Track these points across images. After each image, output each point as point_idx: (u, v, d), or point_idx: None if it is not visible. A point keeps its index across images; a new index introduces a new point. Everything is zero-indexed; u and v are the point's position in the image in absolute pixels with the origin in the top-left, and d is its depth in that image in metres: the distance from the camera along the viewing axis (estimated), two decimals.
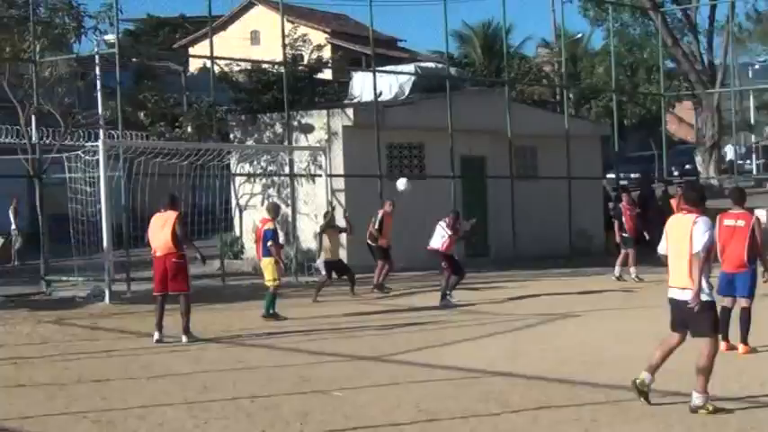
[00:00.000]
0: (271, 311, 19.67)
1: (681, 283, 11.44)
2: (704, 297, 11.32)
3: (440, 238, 22.37)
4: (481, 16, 72.71)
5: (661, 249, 11.85)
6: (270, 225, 19.74)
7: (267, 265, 19.61)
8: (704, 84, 46.60)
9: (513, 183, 32.86)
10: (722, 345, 15.36)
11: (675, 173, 49.52)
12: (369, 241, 24.93)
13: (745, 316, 15.34)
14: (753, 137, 66.30)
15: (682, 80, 51.80)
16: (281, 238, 22.30)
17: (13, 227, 34.72)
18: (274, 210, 20.57)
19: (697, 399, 11.34)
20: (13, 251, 34.66)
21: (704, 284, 11.32)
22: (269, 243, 19.52)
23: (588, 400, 12.27)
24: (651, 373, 11.72)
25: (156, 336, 17.12)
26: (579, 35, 59.27)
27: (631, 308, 21.81)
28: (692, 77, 47.59)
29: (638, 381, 11.69)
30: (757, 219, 15.48)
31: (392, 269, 25.09)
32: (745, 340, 15.36)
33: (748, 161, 60.18)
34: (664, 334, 16.85)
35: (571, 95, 48.72)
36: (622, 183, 38.70)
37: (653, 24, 47.24)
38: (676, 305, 11.57)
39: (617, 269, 26.94)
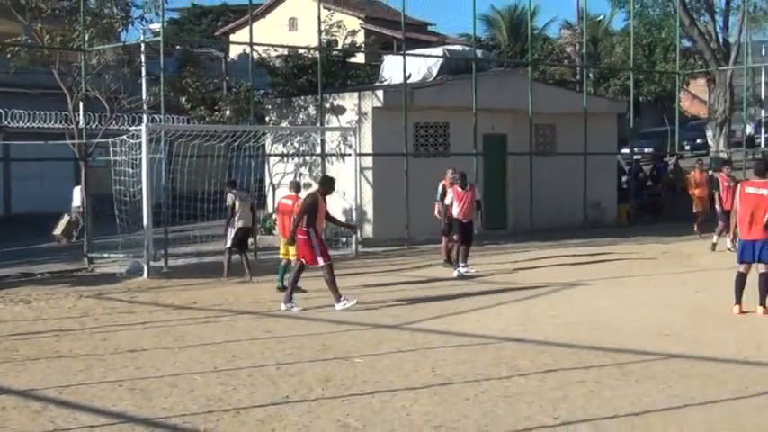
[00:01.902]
0: (283, 284, 19.29)
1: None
2: None
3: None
4: (509, 0, 72.19)
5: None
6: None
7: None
8: (718, 62, 45.93)
9: (531, 159, 32.68)
10: (735, 309, 15.54)
11: (687, 147, 49.31)
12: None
13: (764, 280, 15.58)
14: (763, 111, 65.57)
15: (696, 58, 51.12)
16: None
17: (76, 204, 34.58)
18: (295, 187, 20.55)
19: None
20: (78, 228, 34.45)
21: None
22: None
23: (594, 363, 12.33)
24: None
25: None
26: (601, 17, 58.76)
27: (641, 276, 21.77)
28: (706, 56, 46.93)
29: None
30: None
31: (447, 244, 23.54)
32: (763, 303, 15.62)
33: (757, 135, 59.49)
34: (670, 301, 16.98)
35: (591, 75, 48.39)
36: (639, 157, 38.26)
37: (671, 5, 46.61)
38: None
39: (715, 238, 26.49)
